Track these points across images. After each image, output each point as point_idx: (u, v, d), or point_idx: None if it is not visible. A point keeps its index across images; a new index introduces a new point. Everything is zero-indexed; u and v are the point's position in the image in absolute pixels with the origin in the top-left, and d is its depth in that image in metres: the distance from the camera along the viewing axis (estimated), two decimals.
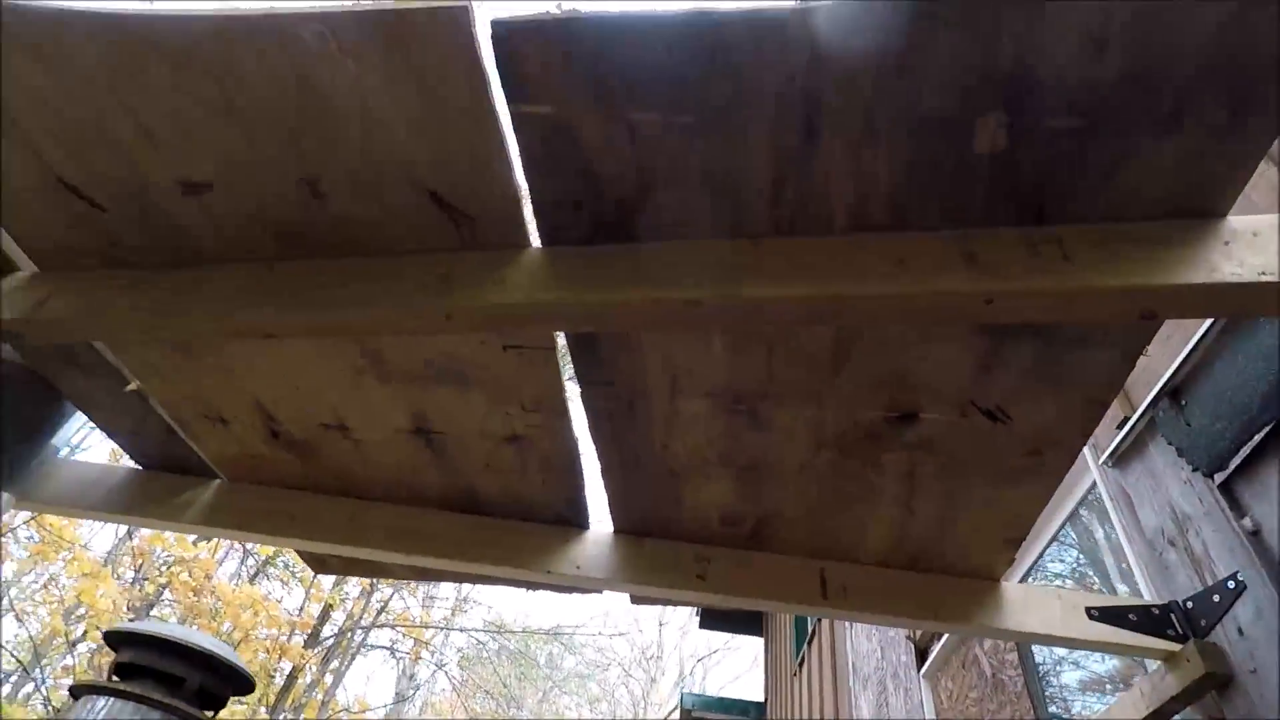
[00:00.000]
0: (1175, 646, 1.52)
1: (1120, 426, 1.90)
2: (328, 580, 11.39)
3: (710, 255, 0.88)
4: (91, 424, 1.45)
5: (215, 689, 2.63)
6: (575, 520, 1.52)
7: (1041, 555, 2.37)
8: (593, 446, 1.32)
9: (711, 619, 9.06)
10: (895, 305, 0.82)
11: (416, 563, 1.55)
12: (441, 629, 16.50)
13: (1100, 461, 1.99)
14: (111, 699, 2.34)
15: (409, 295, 0.93)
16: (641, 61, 0.74)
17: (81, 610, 9.17)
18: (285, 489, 1.54)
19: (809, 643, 5.80)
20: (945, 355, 1.03)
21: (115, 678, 2.46)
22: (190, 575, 8.96)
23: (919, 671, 3.30)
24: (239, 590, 9.65)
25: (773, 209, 0.87)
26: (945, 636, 3.06)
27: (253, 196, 0.95)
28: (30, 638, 9.08)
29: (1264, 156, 0.78)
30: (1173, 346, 1.72)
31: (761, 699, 7.99)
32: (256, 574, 11.83)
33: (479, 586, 18.85)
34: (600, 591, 1.63)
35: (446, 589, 17.46)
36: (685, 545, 1.51)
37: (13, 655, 11.06)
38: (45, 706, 10.45)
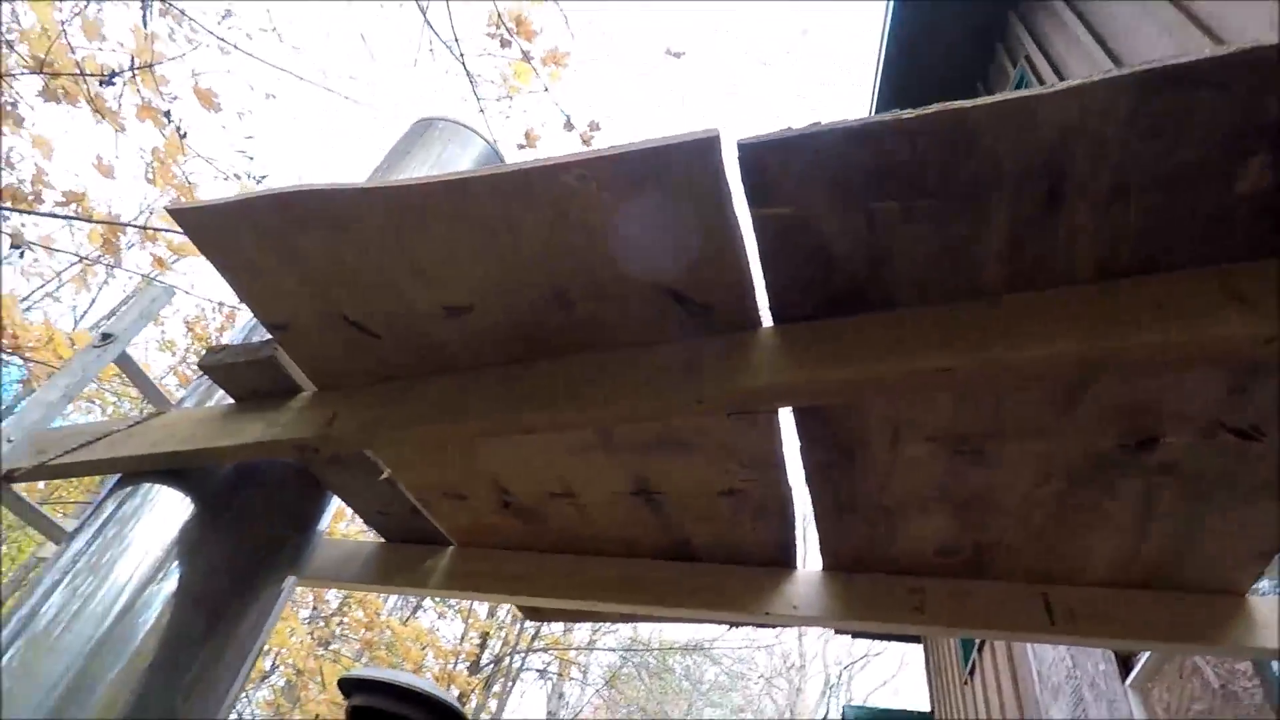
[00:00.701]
0: None
1: None
2: (482, 609, 11.97)
3: (947, 319, 0.91)
4: (349, 508, 1.65)
5: None
6: (785, 561, 1.56)
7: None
8: (807, 493, 1.36)
9: None
10: (1160, 353, 0.82)
11: (632, 611, 1.64)
12: (585, 649, 16.93)
13: None
14: None
15: (658, 385, 1.01)
16: (884, 157, 0.79)
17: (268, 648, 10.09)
18: (509, 550, 1.68)
19: (979, 649, 5.53)
20: (1193, 383, 1.00)
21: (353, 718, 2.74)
22: (363, 612, 9.69)
23: (1124, 681, 3.10)
24: (408, 624, 10.33)
25: (1008, 266, 0.89)
26: None
27: (506, 311, 1.06)
28: None
29: None
30: None
31: (927, 709, 7.67)
32: (416, 608, 12.62)
33: None
34: (816, 628, 1.66)
35: None
36: (898, 578, 1.52)
37: None
38: None
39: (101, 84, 2.85)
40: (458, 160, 2.13)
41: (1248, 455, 1.13)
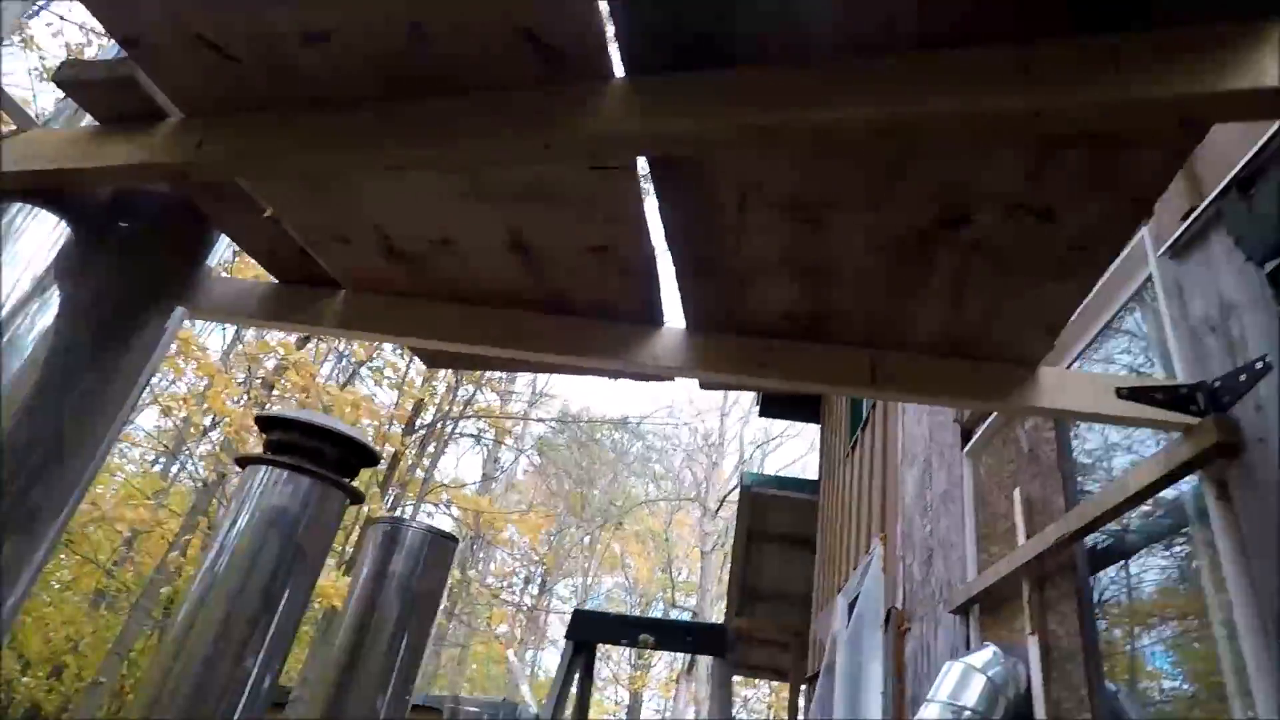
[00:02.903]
0: (1194, 420, 1.69)
1: (1185, 218, 1.93)
2: (417, 380, 12.46)
3: (778, 81, 0.97)
4: (235, 246, 1.69)
5: (349, 461, 3.17)
6: (652, 319, 1.72)
7: (1089, 345, 2.50)
8: (669, 254, 1.48)
9: (771, 406, 9.62)
10: (953, 122, 0.91)
11: (517, 356, 1.81)
12: (520, 419, 18.12)
13: (1159, 253, 2.04)
14: (269, 468, 2.88)
15: (512, 128, 1.06)
16: None
17: (206, 406, 10.45)
18: (399, 296, 1.78)
19: (863, 428, 6.22)
20: (998, 163, 1.11)
21: (269, 453, 2.99)
22: (298, 376, 9.99)
23: (963, 450, 3.62)
24: (344, 390, 10.75)
25: (840, 32, 0.93)
26: (991, 418, 3.31)
27: (366, 40, 1.06)
28: (175, 426, 10.51)
29: None
30: (1254, 132, 1.70)
31: (816, 477, 8.72)
32: (351, 376, 13.05)
33: (552, 382, 20.23)
34: (674, 379, 1.87)
35: (522, 384, 18.81)
36: (750, 339, 1.71)
37: (160, 443, 12.88)
38: (192, 481, 12.38)
39: None
40: None
41: (1043, 237, 1.29)
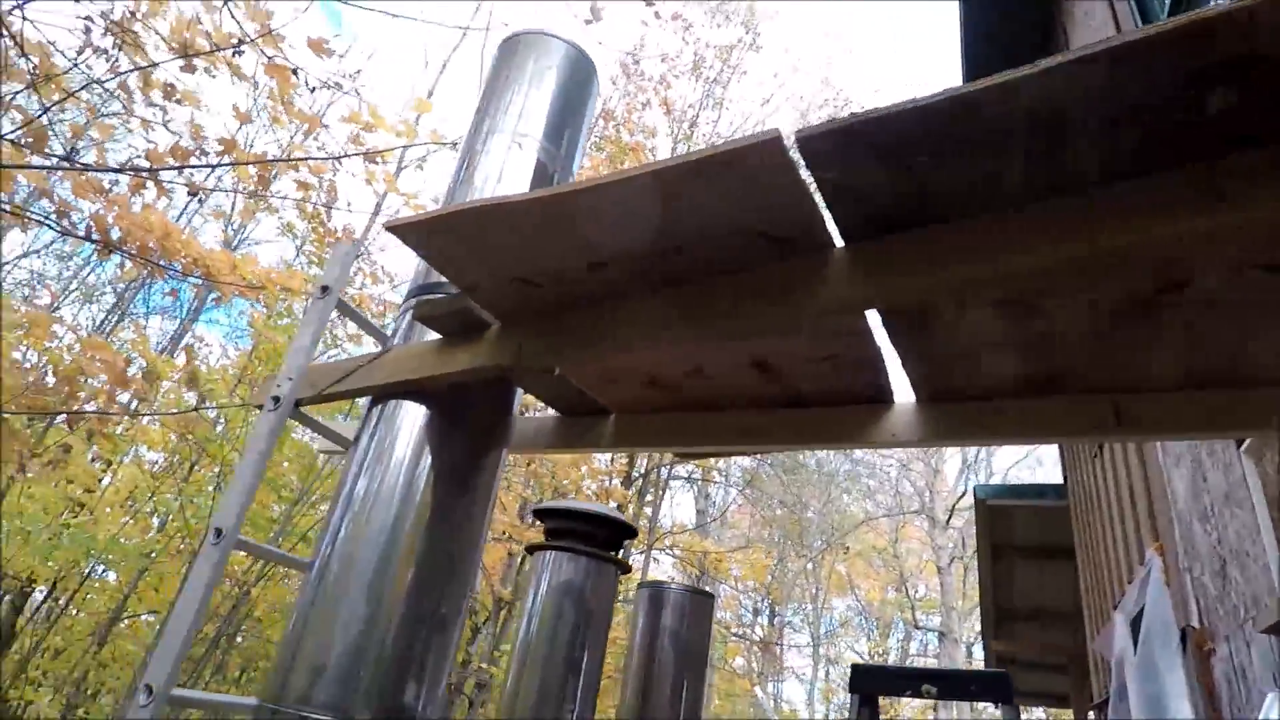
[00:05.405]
0: None
1: None
2: None
3: (982, 232, 1.15)
4: (528, 396, 2.14)
5: (613, 538, 3.63)
6: (882, 400, 1.91)
7: None
8: (893, 349, 1.67)
9: None
10: (1147, 250, 1.04)
11: (757, 449, 2.08)
12: (725, 454, 18.43)
13: None
14: (554, 552, 3.40)
15: (756, 304, 1.34)
16: (904, 130, 1.02)
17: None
18: (656, 413, 2.13)
19: None
20: (1215, 243, 1.19)
21: (549, 539, 3.53)
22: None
23: (1239, 448, 3.29)
24: (562, 456, 11.78)
25: (1027, 187, 1.11)
26: None
27: (632, 262, 1.40)
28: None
29: None
30: None
31: (1060, 480, 8.03)
32: None
33: None
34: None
35: None
36: (983, 402, 1.83)
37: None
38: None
39: (234, 54, 3.19)
40: (547, 71, 2.36)
41: (1276, 285, 1.31)
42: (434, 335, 1.87)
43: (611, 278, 1.45)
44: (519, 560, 11.50)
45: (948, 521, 19.84)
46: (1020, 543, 7.93)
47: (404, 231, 1.39)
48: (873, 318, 1.60)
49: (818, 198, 1.20)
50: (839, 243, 1.29)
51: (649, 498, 13.75)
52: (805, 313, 1.29)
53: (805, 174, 1.14)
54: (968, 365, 1.69)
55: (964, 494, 20.24)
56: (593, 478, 12.05)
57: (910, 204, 1.17)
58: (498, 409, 2.04)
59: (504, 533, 11.05)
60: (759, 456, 20.99)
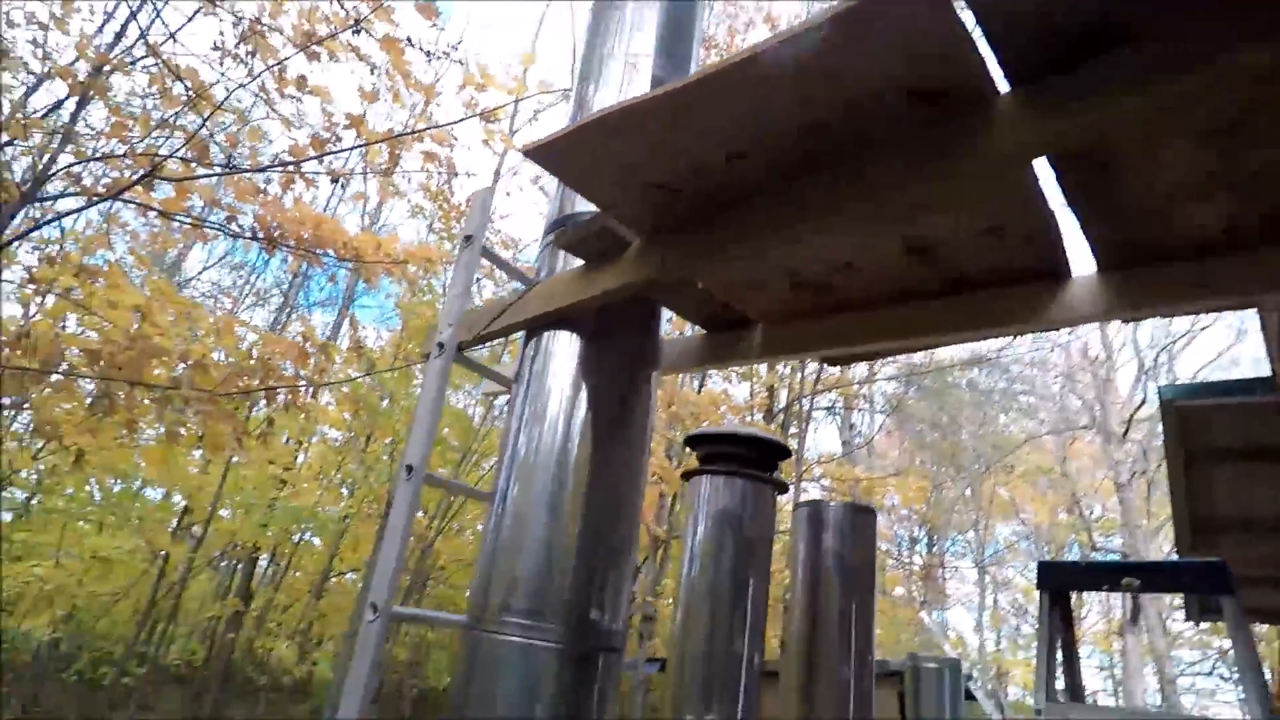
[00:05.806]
0: None
1: None
2: (762, 367, 13.14)
3: (1180, 40, 0.99)
4: (669, 311, 2.15)
5: (767, 458, 3.62)
6: (1056, 274, 1.73)
7: None
8: (1069, 210, 1.50)
9: None
10: None
11: (916, 344, 1.96)
12: (867, 382, 17.80)
13: None
14: (709, 477, 3.44)
15: (914, 173, 1.24)
16: None
17: None
18: (806, 318, 2.07)
19: None
20: None
21: (704, 464, 3.58)
22: (661, 390, 11.32)
23: None
24: (702, 392, 11.87)
25: None
26: None
27: (771, 149, 1.34)
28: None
29: None
30: None
31: (1269, 373, 7.06)
32: (704, 377, 14.27)
33: None
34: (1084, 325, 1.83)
35: None
36: (1180, 264, 1.61)
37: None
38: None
39: (354, 33, 3.39)
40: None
41: None
42: (577, 264, 1.91)
43: (749, 173, 1.40)
44: (669, 501, 11.83)
45: (1125, 434, 18.14)
46: (1219, 444, 7.12)
47: (539, 153, 1.41)
48: (1045, 180, 1.45)
49: (976, 38, 1.09)
50: (1003, 89, 1.16)
51: (792, 430, 13.61)
52: (965, 172, 1.18)
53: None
54: (1165, 216, 1.49)
55: (1142, 402, 18.36)
56: (734, 414, 12.07)
57: (1094, 27, 1.03)
58: (645, 331, 2.06)
59: (654, 475, 11.39)
60: (905, 380, 20.10)
